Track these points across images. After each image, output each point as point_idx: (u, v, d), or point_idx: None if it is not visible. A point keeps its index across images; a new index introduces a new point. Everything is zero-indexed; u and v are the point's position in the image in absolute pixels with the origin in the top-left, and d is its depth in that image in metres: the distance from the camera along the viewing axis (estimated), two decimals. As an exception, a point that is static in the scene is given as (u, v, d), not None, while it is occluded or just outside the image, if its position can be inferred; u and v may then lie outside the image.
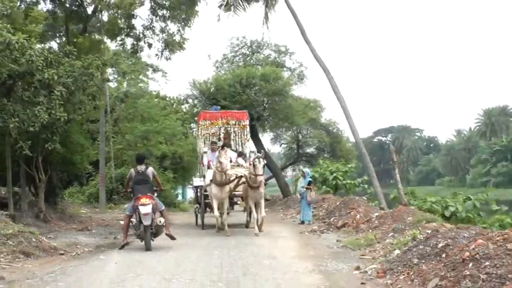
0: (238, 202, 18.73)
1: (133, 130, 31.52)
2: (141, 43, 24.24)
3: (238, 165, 16.60)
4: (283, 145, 57.55)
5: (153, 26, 23.47)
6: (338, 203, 19.22)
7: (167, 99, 43.64)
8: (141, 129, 31.21)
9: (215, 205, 15.13)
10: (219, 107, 22.88)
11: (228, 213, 16.87)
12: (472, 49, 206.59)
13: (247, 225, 16.42)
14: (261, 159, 14.73)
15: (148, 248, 11.39)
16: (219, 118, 19.12)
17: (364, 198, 22.51)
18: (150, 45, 23.79)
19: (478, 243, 6.40)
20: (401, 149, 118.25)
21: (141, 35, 23.84)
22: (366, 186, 32.10)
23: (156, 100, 38.38)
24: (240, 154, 17.72)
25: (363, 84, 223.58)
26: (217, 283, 7.57)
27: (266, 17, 30.92)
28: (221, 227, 15.22)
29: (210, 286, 7.41)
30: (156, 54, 24.20)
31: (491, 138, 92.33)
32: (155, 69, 38.77)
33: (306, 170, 21.01)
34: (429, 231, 8.77)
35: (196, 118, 23.15)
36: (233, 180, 15.19)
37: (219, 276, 8.15)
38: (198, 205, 17.91)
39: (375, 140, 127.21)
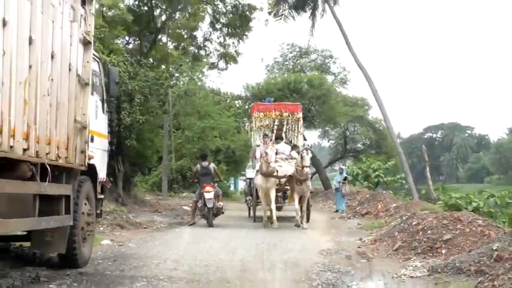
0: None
1: (191, 126, 35.13)
2: (201, 52, 28.06)
3: (292, 158, 16.45)
4: (330, 141, 60.56)
5: (211, 38, 27.22)
6: (368, 196, 22.60)
7: (221, 94, 47.28)
8: (199, 126, 34.77)
9: (262, 196, 15.37)
10: (272, 99, 23.25)
11: (281, 208, 17.35)
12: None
13: (297, 225, 15.08)
14: (309, 151, 14.97)
15: (210, 225, 15.08)
16: (272, 110, 19.24)
17: (390, 192, 25.61)
18: (208, 55, 27.53)
19: (428, 220, 9.88)
20: (451, 146, 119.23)
21: (202, 45, 27.64)
22: (404, 182, 34.93)
23: (211, 95, 41.83)
24: (294, 147, 17.41)
25: (415, 80, 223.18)
26: (261, 245, 11.16)
27: (313, 26, 34.39)
28: (269, 219, 15.23)
29: (256, 246, 11.00)
30: (213, 63, 27.91)
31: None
32: (211, 67, 42.63)
33: (343, 167, 24.43)
34: (408, 214, 12.24)
35: (249, 112, 25.37)
36: (280, 177, 15.29)
37: (262, 241, 11.77)
38: (250, 197, 18.15)
39: (425, 136, 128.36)
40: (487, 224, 9.46)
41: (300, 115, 19.31)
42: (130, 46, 26.52)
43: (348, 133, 54.39)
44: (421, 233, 9.64)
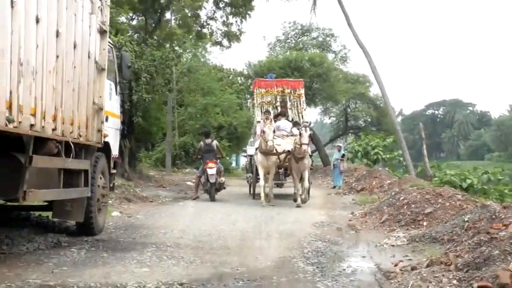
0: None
1: (194, 102, 35.95)
2: (205, 30, 28.76)
3: (293, 135, 15.92)
4: (332, 118, 61.47)
5: (215, 17, 27.89)
6: (364, 173, 23.53)
7: (224, 70, 48.00)
8: (202, 102, 35.59)
9: (261, 173, 15.37)
10: (274, 75, 23.30)
11: (282, 185, 18.09)
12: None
13: (295, 199, 15.27)
14: (307, 128, 14.80)
15: (212, 199, 16.01)
16: (274, 86, 19.17)
17: (386, 169, 26.54)
18: (211, 34, 28.24)
19: (413, 195, 10.81)
20: (452, 123, 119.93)
21: (205, 23, 28.33)
22: (402, 159, 35.80)
23: (213, 71, 42.46)
24: (296, 124, 16.79)
25: (418, 57, 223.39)
26: (259, 218, 12.09)
27: (314, 4, 35.00)
28: (266, 197, 15.26)
29: (255, 218, 11.93)
30: (216, 42, 28.65)
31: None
32: (214, 44, 43.19)
33: (341, 144, 25.33)
34: (396, 190, 13.19)
35: (251, 88, 25.38)
36: (279, 153, 15.22)
37: (261, 214, 12.71)
38: (250, 174, 18.12)
39: (427, 113, 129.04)
40: (466, 199, 10.38)
41: (302, 91, 19.21)
42: (134, 22, 27.20)
43: (349, 110, 55.34)
44: (405, 207, 10.59)
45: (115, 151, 10.09)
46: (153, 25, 25.68)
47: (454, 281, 5.49)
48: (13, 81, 5.45)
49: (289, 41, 44.61)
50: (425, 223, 9.64)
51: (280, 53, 42.19)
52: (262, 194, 15.10)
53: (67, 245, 8.03)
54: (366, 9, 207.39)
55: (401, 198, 11.46)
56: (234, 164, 45.48)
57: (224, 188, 16.92)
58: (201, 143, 17.12)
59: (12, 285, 5.63)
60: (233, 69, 46.32)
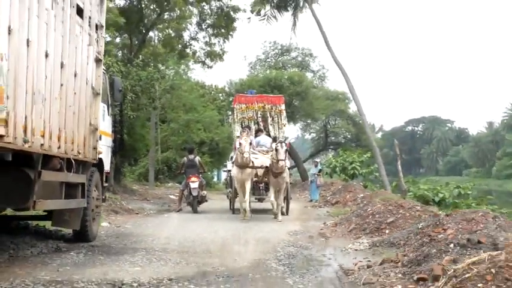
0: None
1: (177, 118, 36.97)
2: (188, 50, 29.89)
3: (272, 151, 15.40)
4: (312, 134, 62.90)
5: (197, 38, 29.06)
6: (340, 187, 24.69)
7: (206, 87, 49.11)
8: (184, 118, 36.59)
9: (237, 187, 15.47)
10: (254, 91, 23.29)
11: (263, 199, 17.90)
12: (505, 43, 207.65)
13: (275, 216, 15.26)
14: (283, 144, 14.79)
15: (195, 211, 17.05)
16: (254, 102, 19.09)
17: (361, 183, 27.73)
18: (194, 53, 29.39)
19: (377, 207, 11.96)
20: (431, 139, 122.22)
21: (188, 43, 29.46)
22: (377, 174, 37.09)
23: (195, 88, 43.38)
24: (275, 139, 16.07)
25: (398, 75, 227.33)
26: (238, 227, 13.16)
27: (294, 24, 36.43)
28: (244, 211, 15.20)
29: (235, 228, 12.99)
30: (200, 61, 29.79)
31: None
32: (196, 61, 44.28)
33: (318, 160, 26.52)
34: (365, 202, 14.37)
35: (232, 104, 26.39)
36: (255, 167, 15.36)
37: (240, 224, 13.81)
38: (230, 189, 18.02)
39: (407, 129, 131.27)
40: (424, 210, 11.55)
41: (283, 107, 19.17)
42: (118, 40, 28.10)
43: (329, 126, 56.59)
44: (371, 217, 11.75)
45: (107, 166, 11.15)
46: (138, 44, 26.73)
47: (399, 275, 6.60)
48: (28, 108, 6.49)
49: (269, 60, 46.18)
50: (387, 231, 10.75)
51: (260, 72, 43.53)
52: (242, 209, 15.22)
53: (66, 250, 9.03)
54: (346, 27, 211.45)
55: (368, 209, 12.63)
56: (215, 179, 46.43)
57: (206, 200, 18.00)
58: (185, 158, 18.23)
59: (25, 281, 6.62)
60: (215, 86, 47.42)
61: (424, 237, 7.49)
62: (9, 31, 5.96)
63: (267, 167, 15.29)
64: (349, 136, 55.93)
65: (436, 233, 7.24)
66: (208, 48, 28.56)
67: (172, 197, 23.98)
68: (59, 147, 7.64)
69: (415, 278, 6.23)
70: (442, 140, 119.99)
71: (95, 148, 9.49)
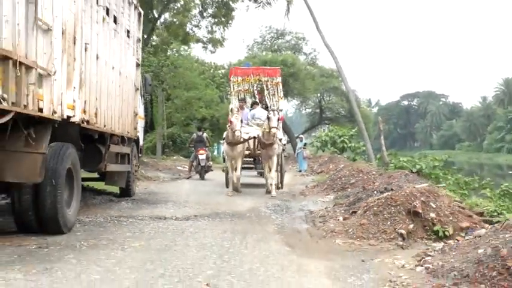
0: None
1: (180, 96, 40.68)
2: (190, 37, 33.59)
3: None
4: (307, 109, 66.72)
5: (200, 25, 32.76)
6: (326, 159, 28.66)
7: (205, 64, 52.68)
8: (187, 95, 40.30)
9: (228, 163, 15.80)
10: (250, 63, 24.92)
11: (262, 173, 17.88)
12: (499, 18, 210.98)
13: (268, 190, 15.47)
14: (276, 112, 14.99)
15: (202, 178, 21.00)
16: (250, 74, 18.96)
17: (344, 156, 31.64)
18: (197, 40, 33.12)
19: (344, 172, 15.91)
20: (425, 114, 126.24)
21: (191, 31, 33.16)
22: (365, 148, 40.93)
23: (196, 64, 46.80)
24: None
25: (394, 50, 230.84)
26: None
27: (287, 10, 40.01)
28: (234, 186, 15.49)
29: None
30: (203, 47, 33.57)
31: (508, 106, 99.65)
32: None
33: (301, 136, 30.53)
34: (341, 167, 18.37)
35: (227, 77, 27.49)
36: (245, 141, 15.25)
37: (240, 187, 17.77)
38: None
39: (402, 104, 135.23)
40: (376, 172, 15.49)
41: (279, 79, 19.03)
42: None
43: (324, 102, 60.39)
44: (339, 179, 15.73)
45: (141, 142, 15.05)
46: (147, 33, 30.42)
47: (342, 211, 10.57)
48: (104, 105, 10.36)
49: (265, 43, 50.07)
50: (349, 189, 14.66)
51: (257, 54, 47.30)
52: (230, 183, 15.68)
53: (117, 201, 12.96)
54: (343, 4, 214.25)
55: (339, 174, 16.57)
56: (215, 153, 50.26)
57: (212, 170, 21.95)
58: (194, 134, 22.21)
59: (103, 215, 10.52)
60: (214, 63, 50.97)
61: (362, 189, 11.45)
62: (97, 57, 9.81)
63: (254, 137, 15.44)
64: (342, 112, 59.21)
65: (368, 185, 11.19)
66: (210, 36, 32.23)
67: (179, 167, 27.81)
68: (118, 128, 11.53)
69: (350, 212, 10.17)
70: (436, 114, 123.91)
71: (135, 128, 13.41)
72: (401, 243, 8.02)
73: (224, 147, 16.26)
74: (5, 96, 6.12)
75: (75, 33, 8.41)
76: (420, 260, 6.68)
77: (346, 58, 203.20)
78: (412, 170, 28.34)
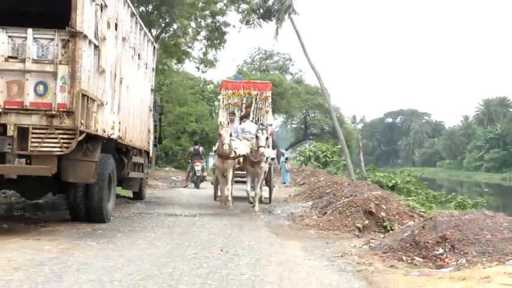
0: None
1: (172, 111, 43.46)
2: (184, 57, 36.52)
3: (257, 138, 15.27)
4: (293, 125, 69.88)
5: (193, 47, 35.69)
6: (309, 172, 31.62)
7: (195, 79, 55.44)
8: (179, 110, 43.11)
9: (219, 176, 15.74)
10: (241, 77, 26.35)
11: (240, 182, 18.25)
12: (484, 42, 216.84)
13: (251, 202, 16.09)
14: (264, 131, 14.81)
15: (197, 187, 23.80)
16: (241, 88, 18.99)
17: (325, 170, 34.60)
18: (190, 60, 36.08)
19: (322, 182, 18.85)
20: (408, 131, 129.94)
21: (185, 52, 36.06)
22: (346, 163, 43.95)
23: (185, 79, 49.26)
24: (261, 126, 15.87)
25: (380, 66, 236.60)
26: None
27: (276, 33, 43.19)
28: (224, 200, 15.55)
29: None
30: (195, 67, 36.53)
31: (487, 126, 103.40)
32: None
33: (283, 151, 33.53)
34: (321, 180, 21.30)
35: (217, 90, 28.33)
36: (236, 157, 15.26)
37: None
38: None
39: (386, 121, 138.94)
40: (349, 183, 18.41)
41: (269, 94, 19.10)
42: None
43: (309, 118, 63.54)
44: (317, 189, 18.65)
45: (151, 153, 17.89)
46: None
47: (316, 212, 13.48)
48: (130, 124, 13.20)
49: (254, 63, 53.23)
50: (325, 197, 17.55)
51: (246, 73, 50.34)
52: (223, 197, 15.71)
53: (133, 203, 15.75)
54: (329, 25, 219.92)
55: (318, 185, 19.50)
56: (205, 165, 53.04)
57: (206, 180, 24.79)
58: (191, 148, 25.12)
59: (127, 212, 13.31)
60: (203, 78, 53.83)
61: (333, 196, 14.39)
62: (127, 87, 12.67)
63: (244, 155, 15.55)
64: (326, 128, 62.25)
65: (337, 192, 14.14)
66: (203, 57, 35.17)
67: (174, 178, 30.63)
68: (137, 143, 14.38)
69: (323, 212, 13.07)
70: (419, 132, 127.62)
71: (148, 143, 16.25)
72: (357, 233, 10.93)
73: (215, 159, 16.26)
74: (82, 121, 8.98)
75: (115, 71, 11.28)
76: (367, 243, 9.58)
77: (332, 75, 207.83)
78: (388, 185, 31.40)
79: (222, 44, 35.25)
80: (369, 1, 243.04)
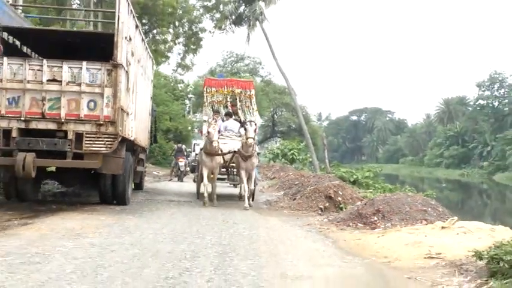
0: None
1: (149, 111, 46.75)
2: (163, 59, 39.97)
3: (240, 136, 16.34)
4: (261, 123, 73.48)
5: (172, 51, 39.23)
6: (278, 168, 35.35)
7: (167, 78, 58.68)
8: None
9: (205, 174, 15.67)
10: (224, 75, 28.54)
11: (236, 185, 19.30)
12: (445, 43, 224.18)
13: (240, 196, 16.61)
14: (253, 123, 15.21)
15: (181, 181, 27.28)
16: (224, 86, 19.30)
17: (293, 167, 38.32)
18: (168, 63, 39.60)
19: (291, 176, 22.54)
20: (372, 129, 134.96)
21: (163, 55, 39.53)
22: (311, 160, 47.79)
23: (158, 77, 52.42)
24: (243, 124, 16.63)
25: (345, 65, 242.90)
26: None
27: (248, 37, 46.83)
28: (209, 198, 15.77)
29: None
30: (172, 70, 40.08)
31: (447, 124, 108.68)
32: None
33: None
34: (290, 174, 25.00)
35: (201, 87, 27.95)
36: (224, 154, 15.80)
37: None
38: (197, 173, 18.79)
39: (351, 118, 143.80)
40: (315, 175, 22.09)
41: (253, 92, 19.47)
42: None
43: (276, 117, 67.27)
44: (287, 181, 22.35)
45: (147, 151, 21.35)
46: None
47: (287, 199, 17.12)
48: (139, 127, 16.64)
49: (226, 66, 56.77)
50: (294, 188, 21.15)
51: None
52: (206, 194, 15.71)
53: (135, 192, 19.08)
54: (295, 27, 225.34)
55: (287, 178, 23.19)
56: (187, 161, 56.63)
57: (188, 174, 28.32)
58: (175, 146, 28.62)
59: (135, 199, 16.73)
60: (174, 77, 57.12)
61: (300, 186, 18.10)
62: (139, 98, 16.11)
63: (235, 151, 15.75)
64: (293, 126, 65.93)
65: (304, 183, 17.83)
66: (180, 61, 38.76)
67: (155, 173, 34.00)
68: (142, 143, 17.82)
69: (293, 198, 16.71)
70: (382, 129, 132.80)
71: (147, 142, 19.69)
72: (320, 213, 14.59)
73: (202, 157, 16.24)
74: (120, 128, 12.47)
75: (133, 86, 14.73)
76: (326, 217, 13.27)
77: (299, 74, 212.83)
78: (349, 179, 35.01)
79: (198, 49, 38.91)
80: (333, 2, 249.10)
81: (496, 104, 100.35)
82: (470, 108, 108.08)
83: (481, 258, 6.70)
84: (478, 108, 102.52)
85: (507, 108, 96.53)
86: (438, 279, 6.86)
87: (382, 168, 45.79)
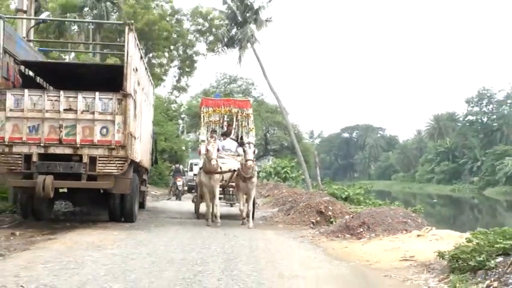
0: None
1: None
2: (159, 82, 41.38)
3: (238, 155, 16.70)
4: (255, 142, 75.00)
5: (167, 73, 40.71)
6: (272, 186, 36.73)
7: (161, 99, 60.19)
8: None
9: (205, 192, 15.97)
10: (221, 94, 29.11)
11: (233, 204, 20.48)
12: (434, 59, 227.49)
13: (244, 221, 16.08)
14: (251, 145, 15.57)
15: (179, 199, 28.59)
16: (221, 105, 19.29)
17: (286, 184, 39.69)
18: (164, 86, 41.06)
19: (284, 193, 23.91)
20: (364, 145, 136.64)
21: (161, 77, 41.00)
22: (304, 177, 49.20)
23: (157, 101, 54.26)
24: (242, 144, 17.25)
25: (337, 82, 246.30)
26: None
27: (240, 59, 48.37)
28: (211, 217, 16.09)
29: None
30: (168, 92, 41.55)
31: (437, 140, 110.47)
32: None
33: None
34: (284, 191, 26.37)
35: (198, 107, 26.82)
36: (223, 172, 15.85)
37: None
38: (196, 193, 19.28)
39: (342, 136, 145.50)
40: (307, 193, 23.46)
41: (250, 111, 19.28)
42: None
43: (269, 135, 68.68)
44: (281, 198, 23.71)
45: (149, 171, 22.67)
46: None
47: (282, 214, 18.47)
48: (143, 149, 17.99)
49: (220, 87, 58.29)
50: (287, 205, 22.46)
51: (212, 97, 55.65)
52: (209, 215, 16.27)
53: (139, 211, 20.44)
54: (287, 44, 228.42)
55: (281, 195, 24.55)
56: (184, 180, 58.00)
57: (186, 193, 29.64)
58: (173, 166, 29.99)
59: (140, 217, 18.03)
60: (167, 97, 58.60)
61: (293, 202, 19.46)
62: (143, 123, 17.48)
63: (235, 170, 15.94)
64: (285, 144, 67.22)
65: (297, 199, 19.20)
66: (176, 83, 40.22)
67: (153, 192, 35.27)
68: (145, 163, 19.15)
69: (287, 214, 18.06)
70: (374, 146, 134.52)
71: (149, 162, 21.04)
72: (312, 226, 15.92)
73: (201, 176, 16.33)
74: (129, 152, 13.83)
75: (139, 112, 16.10)
76: (318, 230, 14.62)
77: (291, 93, 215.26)
78: (341, 196, 36.25)
79: (193, 71, 40.39)
80: (324, 21, 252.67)
81: (485, 119, 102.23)
82: (459, 124, 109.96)
83: (443, 258, 8.12)
84: (468, 124, 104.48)
85: (496, 124, 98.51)
86: (409, 276, 8.32)
87: (373, 185, 47.40)
